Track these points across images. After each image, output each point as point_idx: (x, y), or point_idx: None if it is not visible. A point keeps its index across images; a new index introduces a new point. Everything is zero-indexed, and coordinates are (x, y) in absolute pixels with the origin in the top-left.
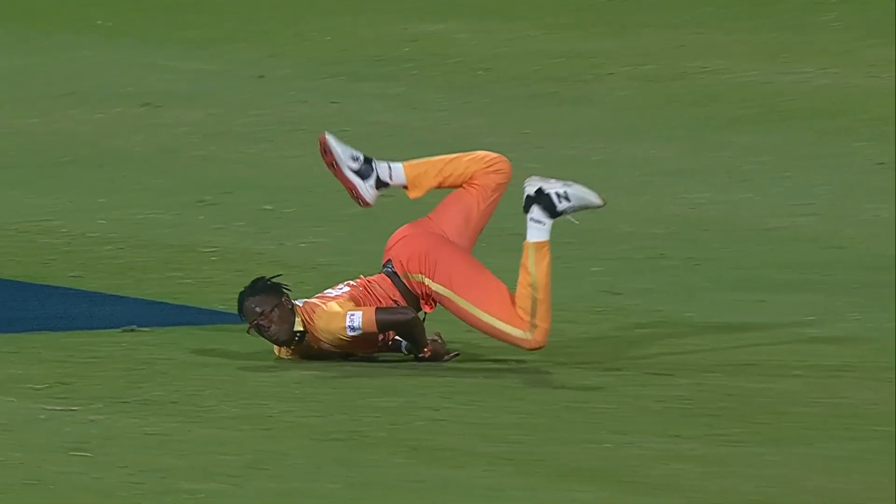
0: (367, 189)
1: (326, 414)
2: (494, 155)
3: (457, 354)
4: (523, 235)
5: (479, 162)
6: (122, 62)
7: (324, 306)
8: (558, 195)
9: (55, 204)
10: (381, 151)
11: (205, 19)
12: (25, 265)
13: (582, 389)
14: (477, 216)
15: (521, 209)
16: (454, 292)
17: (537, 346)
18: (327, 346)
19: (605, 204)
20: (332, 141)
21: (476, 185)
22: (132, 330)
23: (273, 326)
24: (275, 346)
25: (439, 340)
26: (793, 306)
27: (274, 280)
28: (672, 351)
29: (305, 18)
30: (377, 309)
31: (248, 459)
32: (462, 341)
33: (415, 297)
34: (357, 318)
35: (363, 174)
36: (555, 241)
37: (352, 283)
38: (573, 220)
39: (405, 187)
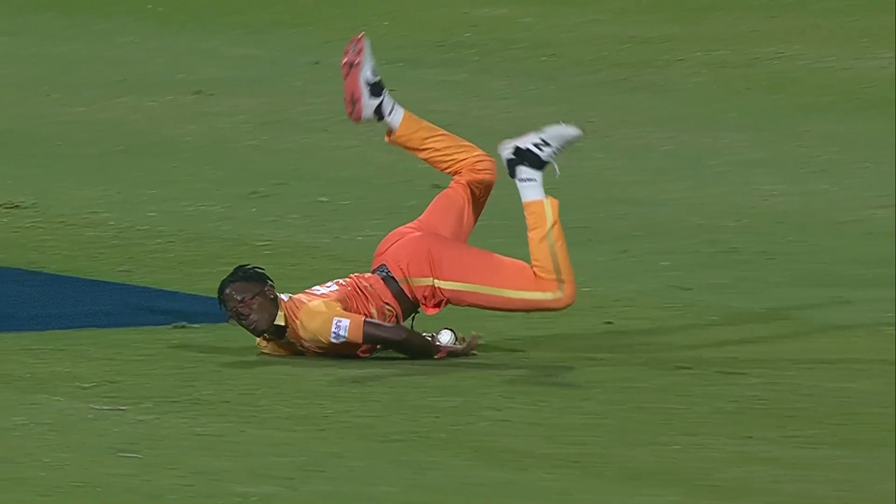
0: (368, 105)
1: (384, 414)
2: (481, 152)
3: (479, 336)
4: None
5: (468, 152)
6: (173, 48)
7: (309, 304)
8: (537, 145)
9: (103, 196)
10: None
11: (258, 4)
12: (72, 259)
13: (651, 389)
14: (468, 218)
15: (509, 177)
16: (472, 283)
17: (569, 302)
18: (308, 344)
19: (583, 132)
20: (367, 45)
21: (462, 183)
22: (182, 327)
23: (252, 314)
24: (257, 338)
25: (479, 338)
26: (870, 303)
27: (257, 269)
28: (744, 349)
29: (362, 2)
30: (366, 321)
31: (302, 461)
32: (521, 338)
33: (409, 301)
34: (343, 327)
35: (373, 92)
36: (623, 234)
37: (341, 281)
38: (558, 170)
39: (389, 131)
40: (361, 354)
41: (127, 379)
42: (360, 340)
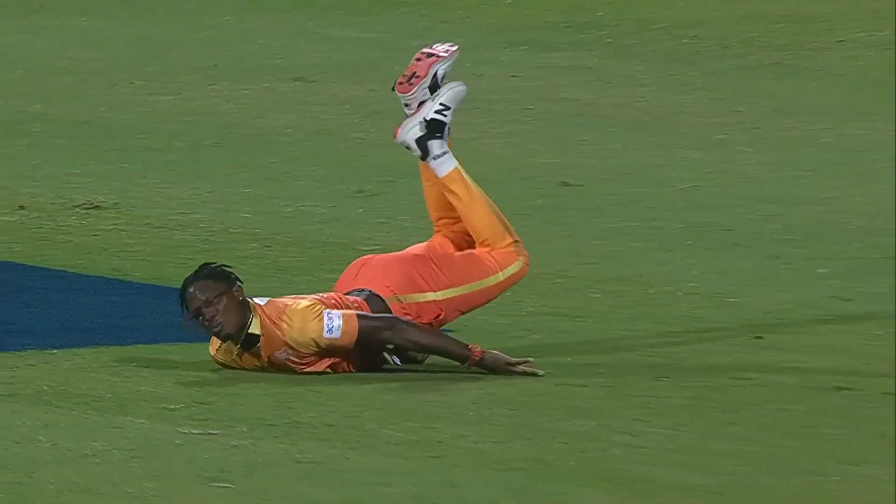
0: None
1: (505, 440)
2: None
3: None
4: None
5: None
6: (270, 30)
7: (294, 304)
8: (440, 111)
9: (193, 195)
10: (570, 132)
11: None
12: (159, 265)
13: (806, 412)
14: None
15: (419, 159)
16: (463, 284)
17: (528, 262)
18: (284, 356)
19: (465, 86)
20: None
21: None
22: None
23: (217, 316)
24: (211, 345)
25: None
26: None
27: (225, 268)
28: None
29: None
30: (358, 313)
31: (413, 492)
32: (659, 353)
33: (369, 358)
34: (336, 319)
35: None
36: (775, 238)
37: (323, 295)
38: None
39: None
40: (343, 370)
41: (219, 400)
42: (355, 336)
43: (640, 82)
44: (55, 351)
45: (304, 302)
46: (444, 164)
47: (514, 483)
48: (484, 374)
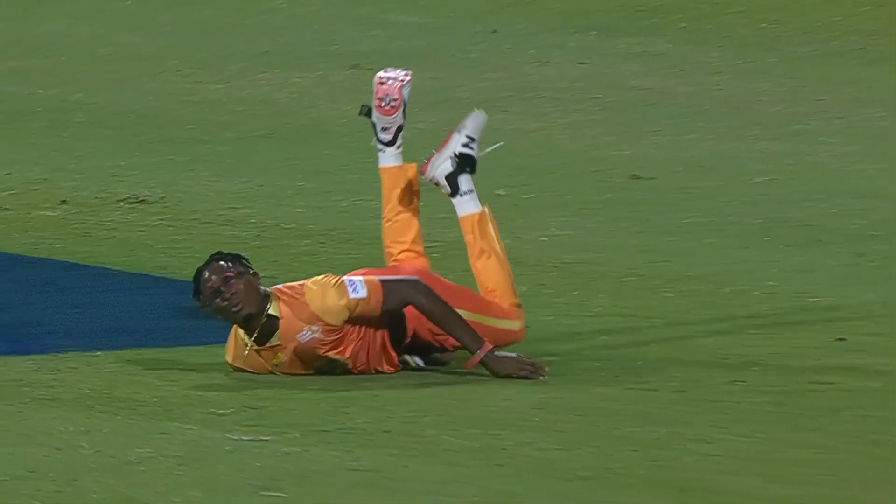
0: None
1: (572, 447)
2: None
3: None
4: None
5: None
6: (324, 15)
7: (308, 282)
8: (467, 144)
9: (244, 188)
10: (641, 123)
11: None
12: None
13: (890, 418)
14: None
15: (449, 196)
16: (466, 310)
17: (524, 330)
18: (309, 335)
19: (486, 114)
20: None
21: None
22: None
23: (237, 295)
24: (227, 352)
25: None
26: None
27: (238, 255)
28: None
29: None
30: (379, 277)
31: (475, 502)
32: (734, 355)
33: (400, 330)
34: (356, 281)
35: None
36: (859, 234)
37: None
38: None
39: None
40: (364, 364)
41: (270, 405)
42: (380, 292)
43: (716, 69)
44: (98, 353)
45: (319, 277)
46: (468, 203)
47: (580, 493)
48: (549, 379)
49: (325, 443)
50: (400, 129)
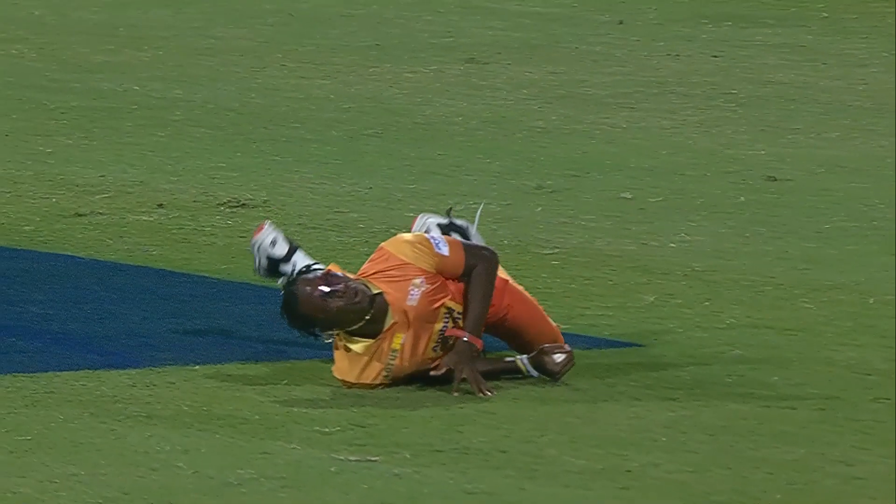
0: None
1: (703, 469)
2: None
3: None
4: None
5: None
6: (438, 5)
7: (385, 246)
8: (450, 223)
9: (352, 190)
10: (779, 120)
11: None
12: None
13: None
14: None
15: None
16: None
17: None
18: (417, 293)
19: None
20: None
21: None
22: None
23: (349, 291)
24: (343, 366)
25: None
26: None
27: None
28: None
29: None
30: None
31: None
32: (876, 370)
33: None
34: (440, 239)
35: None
36: None
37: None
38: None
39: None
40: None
41: (379, 422)
42: (460, 249)
43: (861, 62)
44: (197, 367)
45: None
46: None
47: None
48: (678, 396)
49: (437, 464)
50: (277, 237)
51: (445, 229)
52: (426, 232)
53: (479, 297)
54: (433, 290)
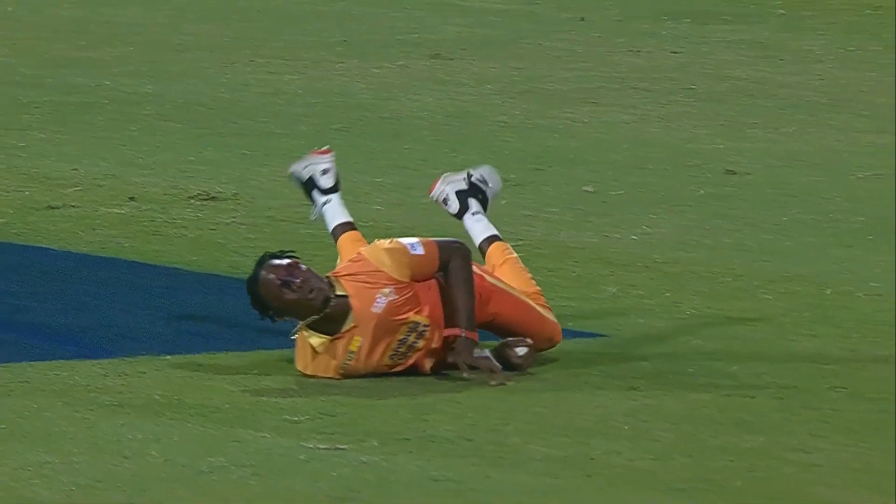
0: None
1: (666, 457)
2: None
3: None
4: None
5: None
6: (404, 2)
7: (362, 250)
8: (483, 181)
9: None
10: (737, 115)
11: None
12: None
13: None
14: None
15: (455, 216)
16: (513, 287)
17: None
18: (384, 301)
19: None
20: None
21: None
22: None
23: (306, 283)
24: (301, 356)
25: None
26: None
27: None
28: None
29: None
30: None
31: None
32: (834, 359)
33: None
34: (414, 241)
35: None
36: None
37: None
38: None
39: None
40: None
41: (347, 411)
42: (435, 248)
43: (817, 58)
44: (168, 357)
45: (370, 245)
46: (486, 227)
47: None
48: (640, 385)
49: (405, 451)
50: (338, 175)
51: (464, 195)
52: (443, 201)
53: (464, 292)
54: (401, 301)
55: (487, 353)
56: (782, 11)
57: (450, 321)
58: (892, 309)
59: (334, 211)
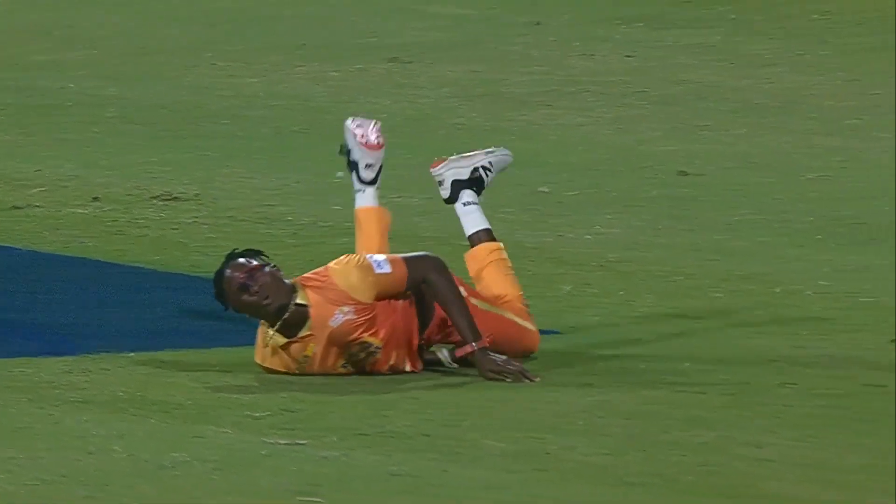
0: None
1: (619, 452)
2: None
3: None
4: None
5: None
6: (362, 6)
7: (332, 265)
8: (486, 170)
9: (279, 185)
10: (690, 117)
11: None
12: None
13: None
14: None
15: (445, 201)
16: (491, 303)
17: (538, 336)
18: (342, 318)
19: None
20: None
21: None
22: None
23: (266, 288)
24: (256, 353)
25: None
26: None
27: (254, 250)
28: None
29: None
30: (400, 255)
31: None
32: (784, 357)
33: (428, 318)
34: (381, 258)
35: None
36: None
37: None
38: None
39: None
40: (393, 356)
41: (307, 407)
42: (404, 269)
43: (767, 62)
44: (131, 354)
45: (341, 258)
46: (479, 218)
47: (627, 499)
48: (595, 382)
49: (363, 447)
50: (381, 168)
51: (463, 185)
52: (439, 183)
53: (455, 305)
54: (359, 322)
55: (505, 357)
56: (733, 16)
57: (454, 336)
58: (841, 306)
59: (366, 199)
